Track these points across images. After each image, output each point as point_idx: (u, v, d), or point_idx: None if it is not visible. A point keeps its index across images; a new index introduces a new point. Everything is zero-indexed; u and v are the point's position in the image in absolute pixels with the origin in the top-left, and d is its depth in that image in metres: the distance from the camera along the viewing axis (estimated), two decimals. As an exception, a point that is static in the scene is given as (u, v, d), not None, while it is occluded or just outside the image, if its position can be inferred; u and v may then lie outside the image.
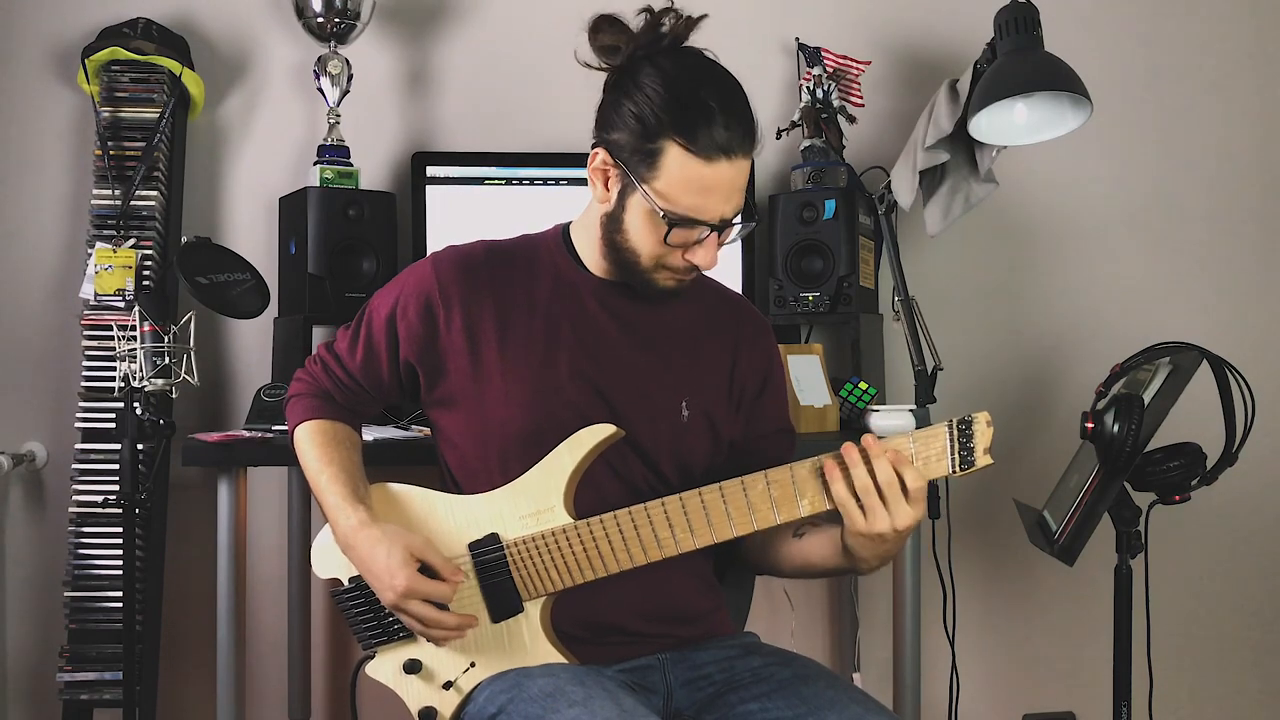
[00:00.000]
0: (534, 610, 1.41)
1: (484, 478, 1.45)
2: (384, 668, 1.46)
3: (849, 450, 1.32)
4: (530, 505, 1.40)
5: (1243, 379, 1.87)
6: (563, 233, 1.55)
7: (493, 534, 1.41)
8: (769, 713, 1.37)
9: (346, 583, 1.47)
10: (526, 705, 1.31)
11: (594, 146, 1.43)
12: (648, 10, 1.41)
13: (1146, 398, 1.81)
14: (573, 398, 1.45)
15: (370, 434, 1.94)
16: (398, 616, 1.42)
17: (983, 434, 1.30)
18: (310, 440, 1.51)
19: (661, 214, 1.37)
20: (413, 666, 1.44)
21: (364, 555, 1.40)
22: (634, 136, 1.37)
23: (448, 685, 1.42)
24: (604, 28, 1.41)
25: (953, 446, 1.30)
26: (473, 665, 1.42)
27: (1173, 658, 2.47)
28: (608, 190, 1.43)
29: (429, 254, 1.56)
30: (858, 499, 1.32)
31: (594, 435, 1.40)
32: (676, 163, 1.35)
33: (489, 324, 1.47)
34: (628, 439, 1.44)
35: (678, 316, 1.53)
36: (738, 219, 1.42)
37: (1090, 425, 1.83)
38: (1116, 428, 1.77)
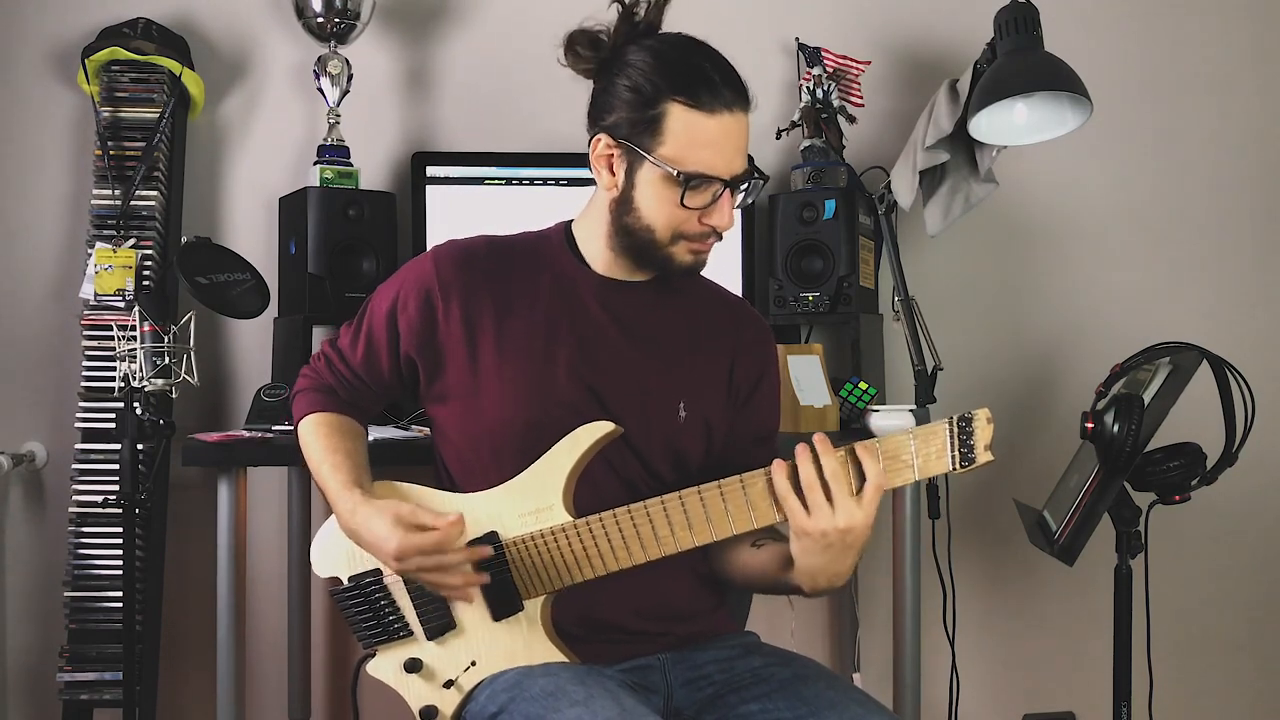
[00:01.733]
0: (534, 609, 1.41)
1: (480, 474, 1.45)
2: (385, 666, 1.46)
3: (801, 449, 1.31)
4: (529, 503, 1.40)
5: (1243, 379, 1.87)
6: (565, 230, 1.55)
7: (492, 532, 1.41)
8: (769, 713, 1.37)
9: (346, 581, 1.47)
10: (527, 704, 1.31)
11: (592, 138, 1.44)
12: (618, 2, 1.44)
13: (1146, 398, 1.82)
14: (570, 395, 1.44)
15: (370, 434, 1.93)
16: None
17: (983, 430, 1.29)
18: (314, 433, 1.52)
19: (676, 174, 1.37)
20: (413, 665, 1.44)
21: (363, 534, 1.40)
22: (633, 109, 1.39)
23: (449, 684, 1.42)
24: (577, 38, 1.45)
25: (952, 444, 1.29)
26: (473, 664, 1.42)
27: (1173, 657, 2.46)
28: (613, 174, 1.43)
29: (429, 247, 1.56)
30: (801, 494, 1.31)
31: (592, 433, 1.40)
32: (680, 122, 1.37)
33: (487, 318, 1.47)
34: (625, 438, 1.43)
35: (678, 317, 1.53)
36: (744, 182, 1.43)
37: (1090, 425, 1.83)
38: (1116, 428, 1.78)
